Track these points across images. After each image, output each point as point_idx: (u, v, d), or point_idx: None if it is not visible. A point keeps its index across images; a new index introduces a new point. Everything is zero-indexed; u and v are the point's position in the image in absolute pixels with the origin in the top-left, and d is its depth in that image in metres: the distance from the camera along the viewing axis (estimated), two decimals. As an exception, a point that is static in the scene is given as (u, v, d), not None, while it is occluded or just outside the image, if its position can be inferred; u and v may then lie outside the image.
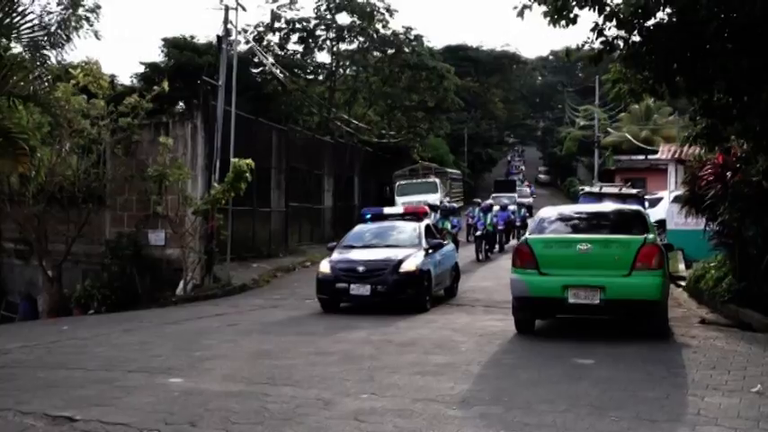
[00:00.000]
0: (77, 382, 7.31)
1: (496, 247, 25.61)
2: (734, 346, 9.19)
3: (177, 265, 18.31)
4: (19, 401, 6.57)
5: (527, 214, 32.32)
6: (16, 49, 11.59)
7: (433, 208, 22.42)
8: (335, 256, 13.80)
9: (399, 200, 30.40)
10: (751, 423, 5.72)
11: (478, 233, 23.38)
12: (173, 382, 7.30)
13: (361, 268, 13.01)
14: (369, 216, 15.86)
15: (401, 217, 15.67)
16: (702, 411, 6.05)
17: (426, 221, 15.43)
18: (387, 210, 16.48)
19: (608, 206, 12.39)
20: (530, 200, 48.49)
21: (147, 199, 18.78)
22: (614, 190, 19.39)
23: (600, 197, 17.99)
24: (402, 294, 12.83)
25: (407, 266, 12.95)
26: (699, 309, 12.90)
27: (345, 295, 13.03)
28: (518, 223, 28.77)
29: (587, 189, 20.73)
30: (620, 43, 11.19)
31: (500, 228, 25.80)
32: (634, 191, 19.10)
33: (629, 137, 45.86)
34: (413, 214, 15.78)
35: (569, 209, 12.02)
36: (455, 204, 25.88)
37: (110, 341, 10.74)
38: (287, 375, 7.62)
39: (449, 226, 21.56)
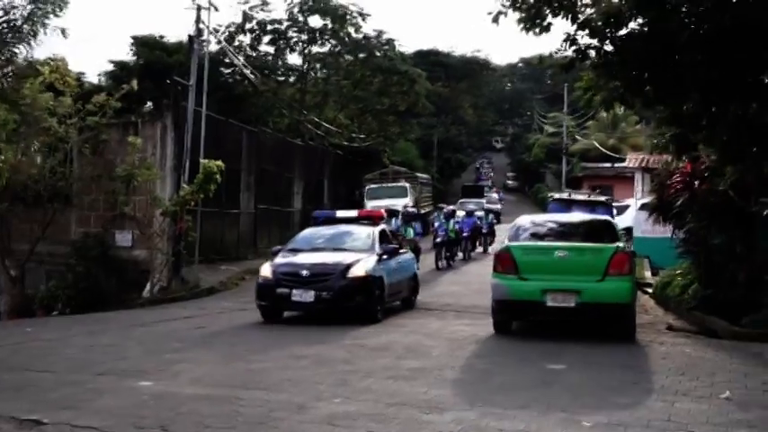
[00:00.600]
0: (45, 385, 7.17)
1: (459, 254, 24.53)
2: (701, 353, 9.34)
3: (144, 267, 18.10)
4: (-15, 404, 6.44)
5: (494, 221, 31.49)
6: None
7: (394, 213, 21.12)
8: (279, 259, 12.76)
9: (369, 203, 30.33)
10: (721, 429, 5.80)
11: (438, 240, 22.21)
12: (143, 386, 7.19)
13: (304, 272, 11.94)
14: (321, 219, 14.91)
15: (356, 221, 14.52)
16: (673, 417, 6.12)
17: (382, 226, 14.49)
18: (340, 213, 15.32)
19: (579, 216, 12.97)
20: (498, 206, 47.53)
21: (114, 199, 18.54)
22: (583, 197, 19.60)
23: (569, 204, 18.13)
24: (349, 302, 11.78)
25: (356, 271, 11.92)
26: (665, 315, 13.11)
27: (287, 302, 11.91)
28: (485, 230, 27.98)
29: (557, 195, 20.85)
30: (593, 52, 11.32)
31: (465, 234, 24.81)
32: (603, 198, 19.33)
33: (597, 145, 46.44)
34: (368, 218, 14.79)
35: (543, 218, 12.68)
36: (417, 210, 23.83)
37: (76, 343, 10.56)
38: (259, 379, 7.57)
39: (411, 233, 19.87)
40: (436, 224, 22.86)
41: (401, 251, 14.42)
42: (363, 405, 6.48)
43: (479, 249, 27.40)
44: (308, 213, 31.54)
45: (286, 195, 30.40)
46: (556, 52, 11.83)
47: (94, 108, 17.67)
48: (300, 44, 37.11)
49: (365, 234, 13.53)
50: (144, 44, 33.92)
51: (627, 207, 24.08)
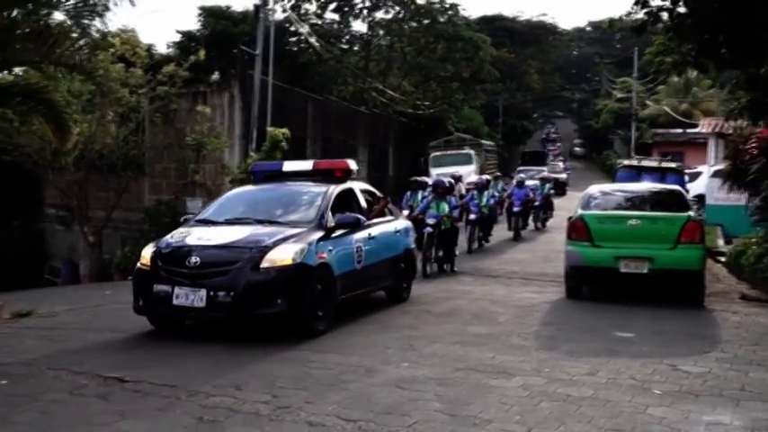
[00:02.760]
0: (124, 345, 7.49)
1: (492, 233, 19.63)
2: (776, 323, 9.11)
3: (214, 233, 18.49)
4: (71, 362, 6.77)
5: (552, 191, 25.94)
6: (58, 17, 11.76)
7: (419, 185, 16.99)
8: (171, 237, 8.56)
9: (434, 171, 30.27)
10: (796, 399, 5.70)
11: (472, 217, 17.76)
12: (218, 347, 7.38)
13: (194, 259, 7.74)
14: (260, 175, 10.54)
15: (310, 177, 10.06)
16: (747, 387, 6.04)
17: (348, 185, 9.90)
18: (288, 165, 10.56)
19: (649, 186, 13.26)
20: (563, 175, 44.79)
21: (184, 167, 19.01)
22: (654, 164, 19.22)
23: (639, 170, 17.88)
24: (263, 307, 7.66)
25: (277, 258, 7.75)
26: (739, 284, 12.80)
27: (165, 306, 7.74)
28: (537, 202, 22.85)
29: (626, 162, 20.52)
30: (665, 14, 11.03)
31: (516, 209, 20.59)
32: (674, 164, 18.95)
33: (668, 110, 45.14)
34: (327, 173, 10.06)
35: (614, 187, 13.02)
36: (451, 180, 16.13)
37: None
38: (327, 342, 7.72)
39: (446, 209, 14.05)
40: (467, 198, 18.55)
41: (383, 220, 10.38)
42: (430, 369, 6.57)
43: (531, 227, 22.89)
44: (373, 181, 31.80)
45: (351, 163, 30.51)
46: (627, 15, 11.60)
47: (164, 78, 18.03)
48: (365, 11, 37.08)
49: (311, 198, 9.22)
50: (211, 14, 34.33)
51: (699, 174, 23.46)
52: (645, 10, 10.85)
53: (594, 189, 12.10)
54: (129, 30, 18.90)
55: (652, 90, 53.27)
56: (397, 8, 37.21)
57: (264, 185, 10.14)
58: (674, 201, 11.27)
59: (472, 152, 33.39)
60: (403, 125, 37.41)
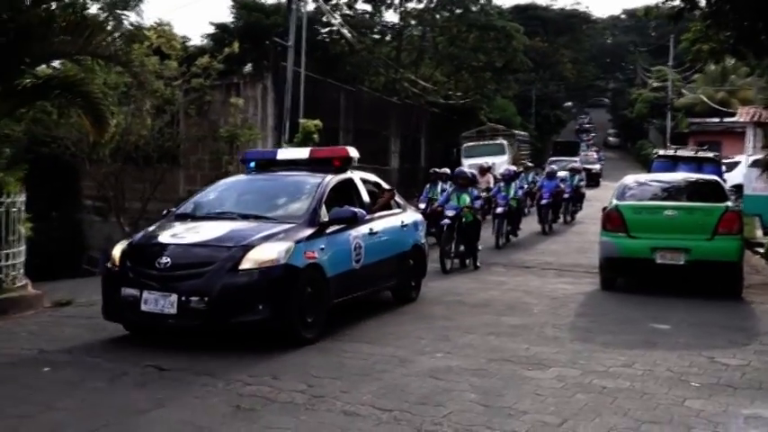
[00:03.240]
0: (160, 334, 7.57)
1: (522, 226, 18.58)
2: (817, 315, 8.96)
3: (248, 224, 18.63)
4: (110, 350, 6.93)
5: (582, 182, 23.75)
6: (93, 8, 11.90)
7: (438, 176, 16.60)
8: (143, 233, 7.87)
9: (466, 162, 30.14)
10: (839, 393, 5.60)
11: (498, 210, 16.65)
12: (252, 337, 7.46)
13: (164, 260, 6.99)
14: (252, 164, 9.63)
15: (307, 166, 9.18)
16: (787, 380, 5.95)
17: (348, 176, 9.03)
18: (282, 153, 9.80)
19: (685, 176, 13.00)
20: (597, 166, 43.19)
21: (218, 158, 19.14)
22: (690, 153, 18.92)
23: (675, 160, 17.62)
24: (243, 314, 6.85)
25: (259, 256, 6.94)
26: (778, 276, 12.58)
27: (133, 312, 6.99)
28: (567, 194, 21.34)
29: (662, 152, 20.17)
30: (702, 1, 10.85)
31: (544, 201, 19.49)
32: (711, 154, 18.61)
33: (704, 98, 44.40)
34: (325, 161, 9.12)
35: (649, 177, 12.95)
36: (474, 171, 15.34)
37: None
38: (362, 332, 7.75)
39: (467, 200, 13.28)
40: (494, 190, 17.75)
41: (387, 214, 9.46)
42: (465, 360, 6.57)
43: (561, 220, 21.57)
44: (405, 172, 31.81)
45: (383, 154, 30.54)
46: (663, 2, 11.36)
47: (198, 70, 18.16)
48: (396, 0, 37.00)
49: (303, 190, 8.32)
50: (243, 6, 34.52)
51: (737, 164, 23.07)
52: (682, -3, 10.70)
53: (630, 179, 12.00)
54: (165, 23, 19.12)
55: (688, 78, 52.43)
56: (429, -3, 37.11)
57: (255, 176, 9.34)
58: (712, 191, 11.09)
59: (505, 142, 33.15)
60: (435, 116, 37.29)
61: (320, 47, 32.48)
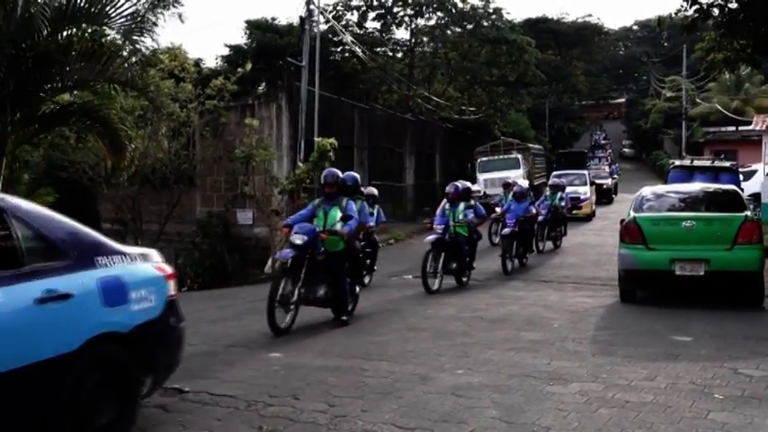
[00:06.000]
0: (184, 356, 7.60)
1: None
2: (841, 324, 8.85)
3: (265, 244, 18.74)
4: (131, 374, 6.92)
5: (563, 202, 19.57)
6: (109, 36, 12.07)
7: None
8: None
9: (481, 177, 30.17)
10: None
11: (506, 231, 14.91)
12: (273, 357, 7.52)
13: None
14: None
15: None
16: (812, 390, 5.87)
17: None
18: None
19: (703, 186, 12.95)
20: (608, 181, 38.44)
21: (234, 179, 19.30)
22: (706, 163, 18.81)
23: (691, 170, 17.51)
24: None
25: None
26: (800, 285, 12.42)
27: None
28: (542, 216, 17.76)
29: (678, 162, 20.07)
30: (716, 10, 10.85)
31: (506, 230, 14.97)
32: (728, 163, 18.48)
33: (719, 108, 44.26)
34: None
35: (667, 188, 12.80)
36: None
37: (208, 317, 11.09)
38: (381, 351, 7.74)
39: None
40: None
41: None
42: (486, 376, 6.54)
43: (535, 251, 17.33)
44: (420, 188, 31.81)
45: (398, 171, 30.62)
46: (676, 13, 11.36)
47: (213, 92, 18.36)
48: (407, 18, 37.19)
49: None
50: (257, 27, 34.88)
51: (754, 172, 22.93)
52: (695, 7, 10.68)
53: (647, 191, 11.96)
54: (177, 47, 19.39)
55: (702, 88, 52.27)
56: (440, 14, 37.22)
57: None
58: (730, 200, 11.04)
59: (520, 156, 33.08)
60: (449, 131, 37.35)
61: (333, 65, 32.70)
